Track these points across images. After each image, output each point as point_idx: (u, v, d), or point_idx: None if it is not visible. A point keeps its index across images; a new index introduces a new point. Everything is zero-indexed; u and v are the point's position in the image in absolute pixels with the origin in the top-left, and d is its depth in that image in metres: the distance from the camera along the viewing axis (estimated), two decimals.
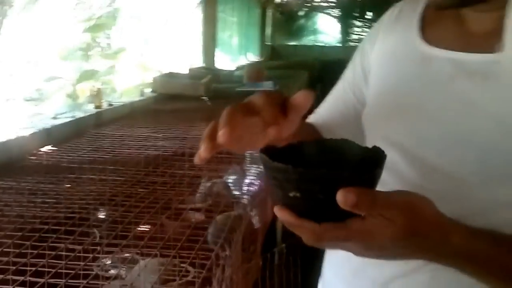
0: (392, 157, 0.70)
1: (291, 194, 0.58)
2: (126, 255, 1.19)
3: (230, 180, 1.76)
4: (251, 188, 1.72)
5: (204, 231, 1.29)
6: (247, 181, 1.77)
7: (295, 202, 0.59)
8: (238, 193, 1.68)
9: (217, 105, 3.32)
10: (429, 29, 0.86)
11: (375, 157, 0.61)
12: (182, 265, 1.15)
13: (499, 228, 0.69)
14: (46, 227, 1.23)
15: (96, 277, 1.04)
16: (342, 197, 0.54)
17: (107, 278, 1.11)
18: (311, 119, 1.06)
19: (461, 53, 0.79)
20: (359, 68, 0.99)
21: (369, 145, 0.66)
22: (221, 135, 0.60)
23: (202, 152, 0.64)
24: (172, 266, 1.13)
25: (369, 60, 0.97)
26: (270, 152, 0.61)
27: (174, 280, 1.08)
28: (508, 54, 0.72)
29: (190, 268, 1.17)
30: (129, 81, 5.77)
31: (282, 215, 0.60)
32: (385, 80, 0.92)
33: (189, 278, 1.11)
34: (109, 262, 1.23)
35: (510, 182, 0.73)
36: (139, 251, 1.16)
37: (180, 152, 2.05)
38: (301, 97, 0.66)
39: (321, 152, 0.68)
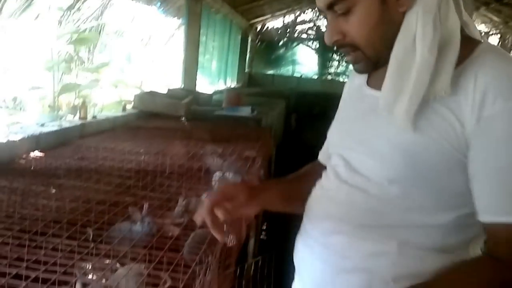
0: (336, 161, 1.07)
1: None
2: (106, 262, 1.27)
3: None
4: None
5: (181, 245, 1.39)
6: None
7: None
8: None
9: (195, 126, 3.44)
10: (373, 75, 1.09)
11: None
12: (160, 274, 1.22)
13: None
14: (42, 224, 1.34)
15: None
16: None
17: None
18: (319, 157, 1.28)
19: (378, 91, 1.00)
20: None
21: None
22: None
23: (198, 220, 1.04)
24: (152, 274, 1.21)
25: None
26: None
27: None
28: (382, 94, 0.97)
29: (167, 278, 1.27)
30: (109, 96, 5.87)
31: None
32: (339, 112, 1.19)
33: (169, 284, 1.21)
34: (89, 267, 1.32)
35: (405, 183, 0.96)
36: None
37: (161, 168, 2.17)
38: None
39: None
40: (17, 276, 1.05)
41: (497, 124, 0.87)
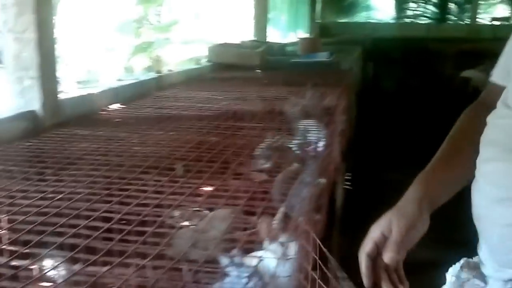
0: None
1: None
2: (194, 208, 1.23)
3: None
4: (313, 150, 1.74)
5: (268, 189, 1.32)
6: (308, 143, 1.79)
7: None
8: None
9: (270, 76, 3.35)
10: None
11: None
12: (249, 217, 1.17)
13: None
14: (127, 165, 1.31)
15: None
16: None
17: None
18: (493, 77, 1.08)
19: None
20: None
21: None
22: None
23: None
24: (240, 217, 1.14)
25: None
26: None
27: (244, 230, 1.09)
28: None
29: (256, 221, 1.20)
30: (181, 54, 5.86)
31: None
32: None
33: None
34: (177, 214, 1.28)
35: None
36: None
37: (241, 113, 2.10)
38: None
39: None
40: (110, 211, 1.03)
41: None
